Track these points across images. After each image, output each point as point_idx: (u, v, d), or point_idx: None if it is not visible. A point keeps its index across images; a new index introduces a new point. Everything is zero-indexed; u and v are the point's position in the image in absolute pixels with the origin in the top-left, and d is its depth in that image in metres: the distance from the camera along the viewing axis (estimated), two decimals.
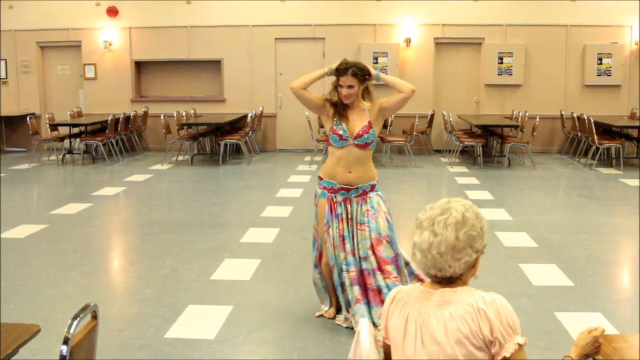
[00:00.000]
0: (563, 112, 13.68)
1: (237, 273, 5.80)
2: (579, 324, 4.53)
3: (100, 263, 6.26)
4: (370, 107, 4.53)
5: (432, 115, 13.57)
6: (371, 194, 4.49)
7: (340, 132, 4.42)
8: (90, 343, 2.46)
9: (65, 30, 14.52)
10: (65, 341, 2.20)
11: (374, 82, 4.54)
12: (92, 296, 5.18)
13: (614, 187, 10.18)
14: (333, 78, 4.50)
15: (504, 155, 12.36)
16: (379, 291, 4.39)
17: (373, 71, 4.50)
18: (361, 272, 4.45)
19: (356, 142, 4.42)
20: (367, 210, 4.45)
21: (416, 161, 12.57)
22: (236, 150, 13.74)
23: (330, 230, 4.50)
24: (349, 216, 4.49)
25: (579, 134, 12.66)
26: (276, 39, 14.23)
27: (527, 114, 12.81)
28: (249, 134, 13.26)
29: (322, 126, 12.89)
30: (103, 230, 7.82)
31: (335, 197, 4.51)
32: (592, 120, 11.73)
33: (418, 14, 13.91)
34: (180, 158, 13.17)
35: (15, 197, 9.40)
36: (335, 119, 4.47)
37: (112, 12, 14.31)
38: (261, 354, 4.21)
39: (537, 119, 12.19)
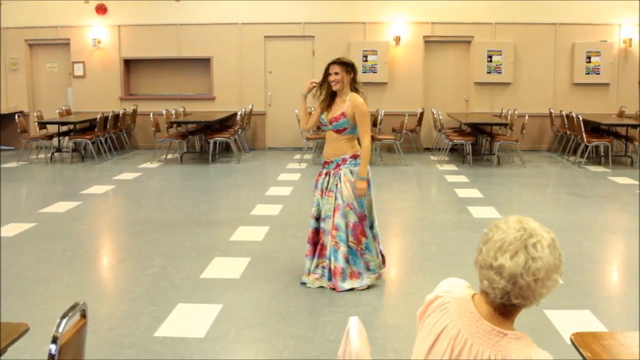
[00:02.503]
0: (552, 110, 13.74)
1: (226, 271, 5.79)
2: (568, 322, 4.56)
3: (89, 262, 6.23)
4: (350, 103, 5.25)
5: (422, 114, 13.60)
6: (342, 167, 5.29)
7: (321, 121, 5.38)
8: (79, 342, 2.45)
9: (54, 28, 14.45)
10: (54, 340, 2.19)
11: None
12: (81, 295, 5.16)
13: (602, 185, 10.23)
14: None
15: (493, 154, 12.40)
16: (324, 247, 5.35)
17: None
18: (317, 231, 5.40)
19: (332, 127, 5.30)
20: (336, 182, 5.29)
21: (406, 159, 12.59)
22: (226, 149, 13.72)
23: (314, 197, 5.44)
24: (325, 186, 5.35)
25: (568, 132, 12.72)
26: (266, 36, 14.22)
27: (516, 112, 12.86)
28: (239, 132, 13.24)
29: None
30: (92, 228, 7.79)
31: (322, 170, 5.43)
32: (580, 119, 11.78)
33: (407, 13, 13.92)
34: (169, 156, 13.14)
35: (3, 195, 9.34)
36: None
37: (101, 9, 14.25)
38: (251, 352, 4.21)
39: (526, 117, 12.23)
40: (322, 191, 5.34)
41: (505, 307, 1.88)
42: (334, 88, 5.26)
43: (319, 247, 5.38)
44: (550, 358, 1.83)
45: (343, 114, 5.20)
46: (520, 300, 1.84)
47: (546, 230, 1.88)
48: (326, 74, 5.28)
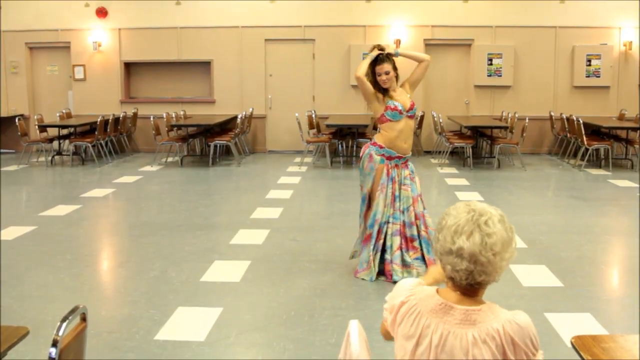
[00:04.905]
0: (552, 113, 13.74)
1: (226, 275, 5.79)
2: (568, 325, 4.55)
3: (89, 265, 6.23)
4: (404, 88, 5.62)
5: (422, 117, 13.60)
6: (409, 162, 5.66)
7: (400, 108, 5.44)
8: (79, 345, 2.45)
9: (54, 31, 14.46)
10: (54, 343, 2.19)
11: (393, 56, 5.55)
12: (81, 298, 5.16)
13: (603, 188, 10.23)
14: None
15: (494, 157, 12.40)
16: (412, 239, 5.57)
17: (392, 51, 5.62)
18: (402, 224, 5.56)
19: (408, 114, 5.50)
20: (409, 174, 5.60)
21: None
22: (226, 152, 13.72)
23: (386, 190, 5.50)
24: (399, 179, 5.55)
25: (568, 135, 12.72)
26: (266, 40, 14.22)
27: (516, 115, 12.86)
28: (239, 135, 13.24)
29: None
30: (92, 232, 7.79)
31: (390, 163, 5.52)
32: (581, 122, 11.78)
33: (408, 15, 13.94)
34: (169, 159, 13.14)
35: (3, 198, 9.34)
36: (387, 100, 5.45)
37: (102, 12, 14.27)
38: (251, 356, 4.21)
39: (527, 120, 12.22)
40: (395, 182, 5.53)
41: (472, 287, 1.99)
42: (385, 86, 5.45)
43: (408, 239, 5.57)
44: (526, 316, 1.96)
45: (413, 103, 5.57)
46: (484, 277, 1.95)
47: (493, 208, 2.01)
48: (373, 74, 5.46)
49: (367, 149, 5.59)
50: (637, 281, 5.56)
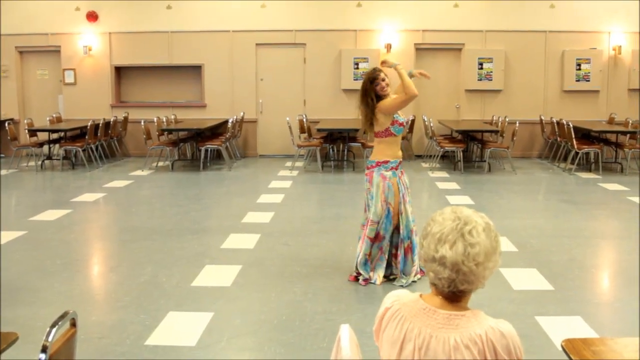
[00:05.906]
0: (542, 117, 13.80)
1: (217, 279, 5.78)
2: (559, 328, 4.56)
3: (79, 270, 6.20)
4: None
5: (413, 121, 13.62)
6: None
7: (404, 122, 5.66)
8: (69, 351, 2.44)
9: (45, 35, 14.42)
10: (44, 349, 2.18)
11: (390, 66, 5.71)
12: (71, 303, 5.14)
13: (593, 192, 10.27)
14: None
15: (484, 160, 12.43)
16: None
17: (395, 62, 5.74)
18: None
19: (406, 127, 5.56)
20: (404, 178, 5.74)
21: None
22: (217, 156, 13.71)
23: (406, 198, 5.65)
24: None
25: (559, 138, 12.77)
26: (257, 44, 14.23)
27: (507, 119, 12.90)
28: (230, 140, 13.23)
29: (304, 138, 12.93)
30: (83, 236, 7.75)
31: (398, 172, 5.63)
32: (571, 125, 11.83)
33: (398, 20, 13.97)
34: (160, 164, 13.11)
35: None
36: (395, 114, 5.58)
37: (92, 16, 14.24)
38: None
39: (517, 124, 12.26)
40: (407, 189, 5.71)
41: (454, 294, 1.99)
42: (384, 93, 5.59)
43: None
44: (510, 326, 1.95)
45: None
46: (466, 285, 1.95)
47: (480, 215, 2.00)
48: (372, 86, 5.57)
49: (374, 174, 5.58)
50: (627, 284, 5.59)
